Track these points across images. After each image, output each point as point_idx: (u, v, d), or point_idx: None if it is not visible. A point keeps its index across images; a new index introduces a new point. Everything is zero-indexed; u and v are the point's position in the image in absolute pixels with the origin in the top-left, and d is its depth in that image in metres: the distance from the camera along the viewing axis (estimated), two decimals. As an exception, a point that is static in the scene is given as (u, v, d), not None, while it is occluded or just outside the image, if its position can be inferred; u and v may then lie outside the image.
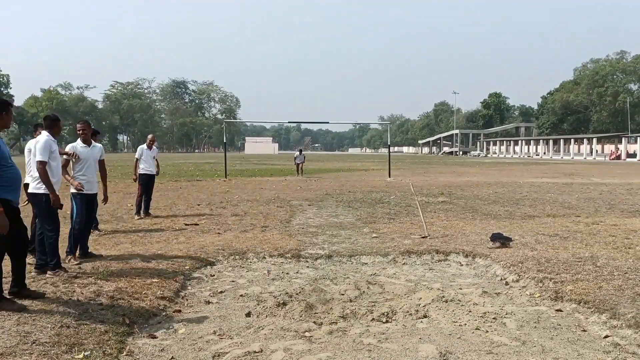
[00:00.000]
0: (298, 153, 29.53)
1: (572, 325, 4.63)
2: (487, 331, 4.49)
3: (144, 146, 11.42)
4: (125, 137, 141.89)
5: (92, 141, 7.20)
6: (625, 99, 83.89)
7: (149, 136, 11.88)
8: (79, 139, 7.04)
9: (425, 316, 4.92)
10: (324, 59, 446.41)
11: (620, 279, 5.72)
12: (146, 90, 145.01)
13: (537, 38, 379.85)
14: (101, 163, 7.41)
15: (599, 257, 6.90)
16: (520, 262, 6.70)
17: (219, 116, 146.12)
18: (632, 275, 5.87)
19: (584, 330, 4.50)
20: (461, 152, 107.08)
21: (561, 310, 5.02)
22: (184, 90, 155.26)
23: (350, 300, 5.38)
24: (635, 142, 71.86)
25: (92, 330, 4.22)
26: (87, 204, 6.96)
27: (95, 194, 7.25)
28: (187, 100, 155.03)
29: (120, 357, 3.87)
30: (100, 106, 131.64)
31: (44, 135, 5.91)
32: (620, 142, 74.51)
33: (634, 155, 69.15)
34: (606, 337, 4.32)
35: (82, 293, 5.14)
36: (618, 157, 70.63)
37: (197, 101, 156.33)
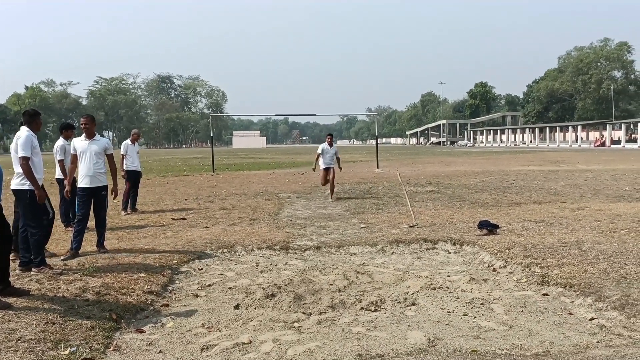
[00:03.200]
0: (327, 145, 13.64)
1: (558, 309, 4.68)
2: (475, 317, 4.52)
3: (128, 141, 11.35)
4: (110, 133, 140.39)
5: (97, 135, 7.13)
6: (609, 86, 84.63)
7: (133, 131, 11.79)
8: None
9: (413, 304, 4.94)
10: (310, 51, 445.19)
11: (605, 263, 5.78)
12: (131, 86, 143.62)
13: (522, 26, 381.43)
14: (108, 157, 7.12)
15: (584, 241, 6.97)
16: (507, 248, 6.74)
17: (206, 111, 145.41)
18: (616, 259, 5.93)
19: (570, 313, 4.54)
20: (449, 142, 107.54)
21: (547, 294, 5.07)
22: (169, 85, 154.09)
23: (339, 290, 5.39)
24: (620, 129, 72.59)
25: (78, 326, 4.18)
26: (88, 198, 6.91)
27: (99, 188, 6.97)
28: (172, 95, 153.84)
29: (107, 352, 3.84)
30: (84, 102, 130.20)
31: (24, 131, 5.83)
32: (605, 129, 75.24)
33: (618, 142, 69.86)
34: (592, 319, 4.37)
35: (68, 289, 5.09)
36: (603, 144, 71.35)
37: (183, 96, 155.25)
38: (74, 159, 6.98)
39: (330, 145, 13.56)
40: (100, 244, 7.03)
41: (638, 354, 3.23)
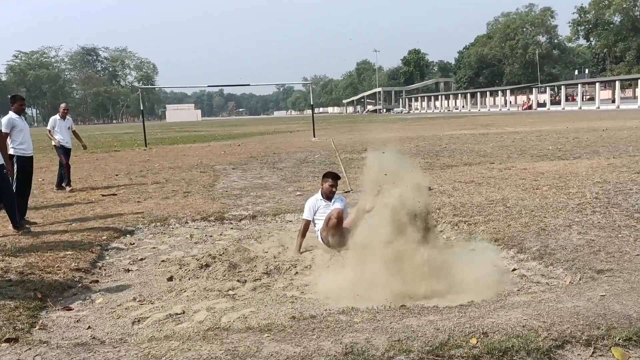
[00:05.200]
0: (321, 198, 5.85)
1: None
2: (405, 274, 4.65)
3: (57, 117, 10.75)
4: (34, 110, 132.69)
5: None
6: (534, 51, 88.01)
7: (62, 105, 11.17)
8: None
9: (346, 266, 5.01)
10: (242, 19, 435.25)
11: (527, 217, 6.09)
12: (53, 59, 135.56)
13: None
14: None
15: (509, 198, 7.29)
16: (437, 208, 6.95)
17: (136, 84, 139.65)
18: (537, 213, 6.26)
19: (495, 266, 4.77)
20: (385, 110, 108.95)
21: (474, 250, 5.29)
22: (95, 57, 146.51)
23: (274, 257, 5.41)
24: (545, 92, 75.91)
25: (1, 307, 3.98)
26: None
27: None
28: (99, 69, 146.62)
29: (32, 331, 3.69)
30: (3, 79, 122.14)
31: None
32: (532, 93, 78.45)
33: (544, 104, 73.12)
34: (514, 270, 4.61)
35: (-12, 271, 4.83)
36: (530, 107, 74.45)
37: (110, 69, 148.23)
38: None
39: (329, 198, 5.87)
40: (18, 224, 6.58)
41: (553, 298, 3.44)
